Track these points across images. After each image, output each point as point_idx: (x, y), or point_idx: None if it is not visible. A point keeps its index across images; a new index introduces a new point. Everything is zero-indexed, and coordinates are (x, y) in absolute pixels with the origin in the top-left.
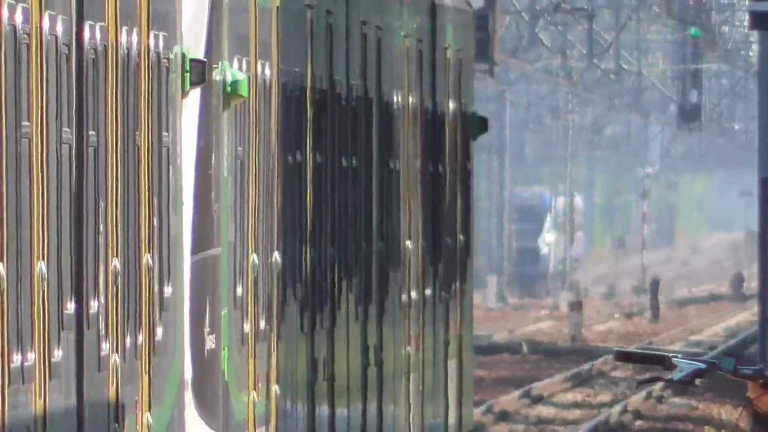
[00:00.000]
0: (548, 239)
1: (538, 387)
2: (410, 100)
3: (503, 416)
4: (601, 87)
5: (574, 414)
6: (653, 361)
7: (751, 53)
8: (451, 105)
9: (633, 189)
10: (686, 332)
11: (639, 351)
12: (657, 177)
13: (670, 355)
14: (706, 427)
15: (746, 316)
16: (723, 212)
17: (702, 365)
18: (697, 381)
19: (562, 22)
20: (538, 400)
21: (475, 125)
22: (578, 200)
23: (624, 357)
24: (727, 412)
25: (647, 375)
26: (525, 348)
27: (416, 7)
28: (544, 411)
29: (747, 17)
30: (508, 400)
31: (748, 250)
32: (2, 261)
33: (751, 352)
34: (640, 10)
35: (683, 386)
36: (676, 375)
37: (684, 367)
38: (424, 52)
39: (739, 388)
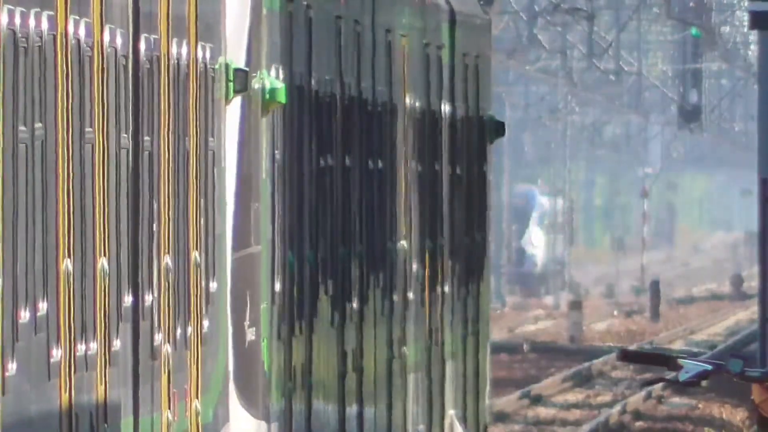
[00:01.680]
0: (534, 239)
1: (537, 387)
2: (432, 105)
3: (501, 417)
4: (601, 87)
5: (574, 414)
6: (658, 362)
7: (750, 53)
8: (470, 110)
9: (633, 189)
10: (686, 331)
11: (643, 351)
12: (657, 177)
13: (675, 355)
14: (706, 429)
15: (746, 315)
16: (723, 212)
17: (708, 366)
18: (703, 382)
19: (561, 23)
20: (537, 400)
21: (492, 129)
22: (560, 201)
23: (628, 357)
24: (727, 412)
25: (651, 375)
26: (525, 347)
27: (438, 17)
28: (543, 412)
29: (747, 17)
30: (508, 400)
31: (748, 250)
32: (70, 258)
33: (750, 351)
34: (640, 11)
35: (686, 386)
36: (681, 376)
37: (690, 368)
38: (444, 59)
39: (740, 388)
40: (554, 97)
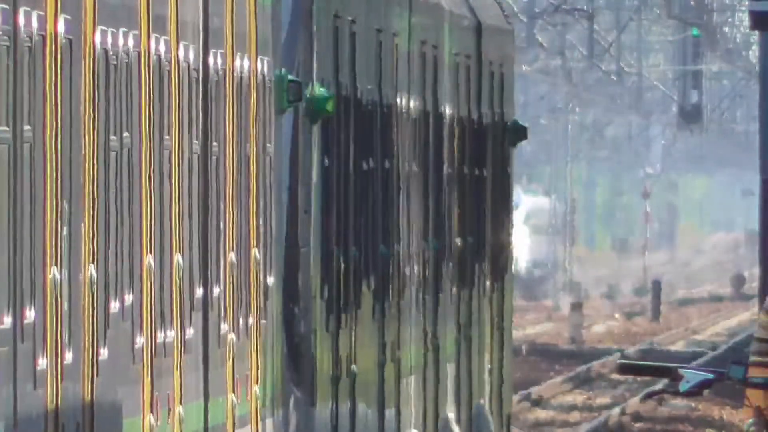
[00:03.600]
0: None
1: (537, 390)
2: (460, 111)
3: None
4: (601, 87)
5: (574, 417)
6: (659, 374)
7: (751, 54)
8: (494, 115)
9: (634, 190)
10: (687, 332)
11: (643, 363)
12: (658, 178)
13: (675, 365)
14: (707, 430)
15: (747, 316)
16: (724, 213)
17: (709, 375)
18: (705, 391)
19: (561, 23)
20: (537, 403)
21: (514, 133)
22: (545, 201)
23: (628, 369)
24: (727, 414)
25: (655, 387)
26: (524, 349)
27: (464, 27)
28: (543, 414)
29: (747, 18)
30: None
31: (749, 250)
32: (151, 254)
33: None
34: (641, 11)
35: (688, 397)
36: (682, 386)
37: (691, 377)
38: (471, 68)
39: (740, 389)
40: (554, 97)
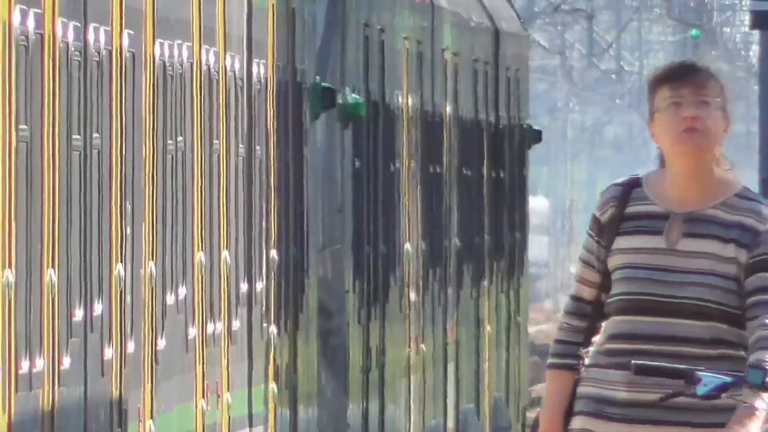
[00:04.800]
0: None
1: (536, 390)
2: (479, 115)
3: None
4: (601, 87)
5: None
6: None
7: (751, 53)
8: (511, 118)
9: None
10: None
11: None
12: None
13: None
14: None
15: None
16: None
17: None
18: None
19: (561, 23)
20: (537, 403)
21: (530, 136)
22: (544, 201)
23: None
24: None
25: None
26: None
27: (483, 34)
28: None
29: (748, 17)
30: None
31: None
32: (202, 250)
33: None
34: (640, 11)
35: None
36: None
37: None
38: (489, 73)
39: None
40: (553, 97)
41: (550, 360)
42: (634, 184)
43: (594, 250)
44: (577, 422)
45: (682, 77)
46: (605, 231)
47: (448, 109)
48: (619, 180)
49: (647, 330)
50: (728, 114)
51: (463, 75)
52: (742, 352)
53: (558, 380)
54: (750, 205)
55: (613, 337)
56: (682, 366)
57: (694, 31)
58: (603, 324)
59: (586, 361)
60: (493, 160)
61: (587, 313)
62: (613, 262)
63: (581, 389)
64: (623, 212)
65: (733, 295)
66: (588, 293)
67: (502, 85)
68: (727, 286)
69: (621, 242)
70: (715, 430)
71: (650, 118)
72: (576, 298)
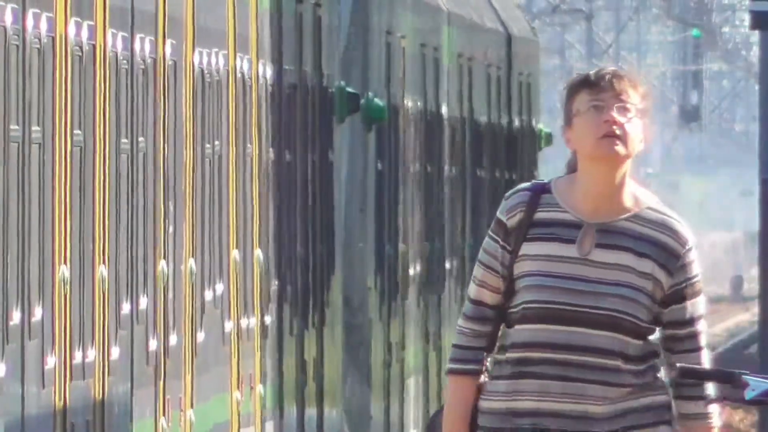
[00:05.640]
0: None
1: None
2: (492, 118)
3: None
4: None
5: None
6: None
7: (751, 54)
8: (522, 122)
9: None
10: None
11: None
12: (658, 178)
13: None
14: None
15: (746, 317)
16: (723, 213)
17: None
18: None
19: (560, 23)
20: None
21: (541, 138)
22: None
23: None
24: (726, 414)
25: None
26: None
27: (497, 41)
28: None
29: (747, 17)
30: None
31: (748, 251)
32: (237, 248)
33: (750, 353)
34: (640, 11)
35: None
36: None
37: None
38: (502, 78)
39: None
40: (553, 97)
41: (450, 366)
42: (542, 189)
43: (498, 255)
44: None
45: (603, 82)
46: (512, 236)
47: (464, 112)
48: (526, 185)
49: (558, 339)
50: (648, 125)
51: (477, 80)
52: (642, 367)
53: (461, 387)
54: (662, 219)
55: (520, 346)
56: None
57: (695, 31)
58: (506, 331)
59: (489, 369)
60: (506, 162)
61: (489, 317)
62: (521, 268)
63: (483, 403)
64: (532, 218)
65: (645, 310)
66: (490, 298)
67: (515, 89)
68: (640, 300)
69: (529, 248)
70: None
71: (566, 124)
72: (476, 302)
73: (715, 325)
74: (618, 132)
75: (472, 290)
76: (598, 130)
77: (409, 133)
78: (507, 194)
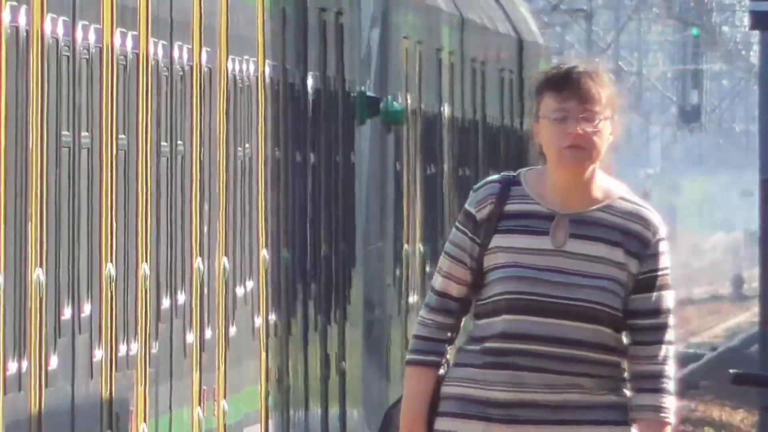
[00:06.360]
0: None
1: None
2: (504, 120)
3: None
4: None
5: None
6: None
7: (751, 54)
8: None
9: (634, 190)
10: (686, 333)
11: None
12: (658, 178)
13: None
14: (705, 428)
15: (746, 317)
16: (723, 213)
17: None
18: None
19: (560, 23)
20: None
21: None
22: None
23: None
24: (726, 414)
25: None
26: None
27: (508, 45)
28: None
29: (747, 17)
30: None
31: (749, 251)
32: (266, 248)
33: (751, 353)
34: (640, 11)
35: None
36: None
37: None
38: (513, 81)
39: (739, 389)
40: None
41: (411, 356)
42: (512, 181)
43: (467, 247)
44: (443, 424)
45: (568, 88)
46: (482, 228)
47: (478, 114)
48: (495, 177)
49: (533, 330)
50: (616, 122)
51: (489, 82)
52: (617, 358)
53: (421, 378)
54: (634, 209)
55: (492, 337)
56: None
57: (695, 30)
58: (475, 323)
59: (451, 359)
60: (518, 162)
61: (453, 309)
62: (492, 260)
63: (448, 389)
64: (503, 210)
65: (619, 300)
66: (456, 290)
67: (525, 91)
68: (616, 290)
69: (501, 240)
70: (595, 427)
71: (535, 119)
72: (441, 294)
73: (715, 325)
74: (582, 144)
75: (438, 282)
76: (562, 141)
77: (427, 135)
78: (475, 186)
